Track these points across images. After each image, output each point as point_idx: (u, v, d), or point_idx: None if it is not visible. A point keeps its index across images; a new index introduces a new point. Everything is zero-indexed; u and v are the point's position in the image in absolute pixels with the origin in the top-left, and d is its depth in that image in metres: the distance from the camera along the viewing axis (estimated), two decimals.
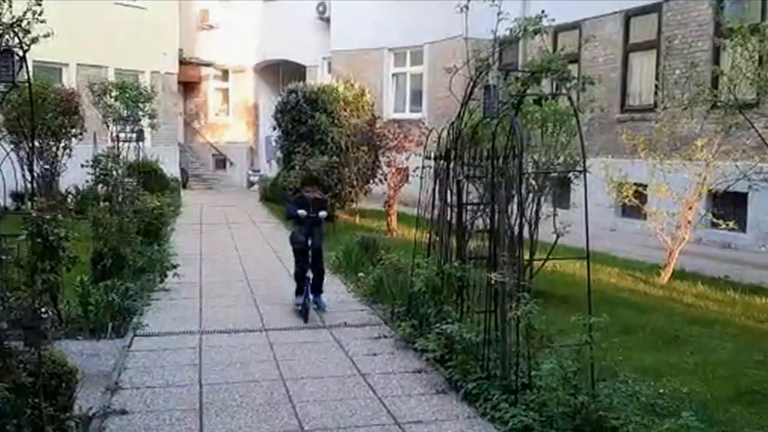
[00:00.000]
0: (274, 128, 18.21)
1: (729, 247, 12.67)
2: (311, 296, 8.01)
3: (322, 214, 8.14)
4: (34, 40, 5.09)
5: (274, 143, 19.29)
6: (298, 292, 8.17)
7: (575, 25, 16.29)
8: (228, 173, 28.78)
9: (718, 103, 8.47)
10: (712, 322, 7.71)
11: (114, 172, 10.03)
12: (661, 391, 5.47)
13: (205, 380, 5.80)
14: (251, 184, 26.56)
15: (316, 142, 15.83)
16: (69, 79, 19.37)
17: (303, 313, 7.79)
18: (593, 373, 4.81)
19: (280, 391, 5.57)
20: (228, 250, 12.89)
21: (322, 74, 24.86)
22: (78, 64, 20.09)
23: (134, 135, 15.18)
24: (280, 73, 27.25)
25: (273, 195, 20.02)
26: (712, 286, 9.48)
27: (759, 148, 7.98)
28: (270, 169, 24.91)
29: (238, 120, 29.40)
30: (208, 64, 28.49)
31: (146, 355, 6.46)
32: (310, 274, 7.94)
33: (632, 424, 4.62)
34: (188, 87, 28.75)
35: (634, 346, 6.76)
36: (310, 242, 8.02)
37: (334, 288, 9.33)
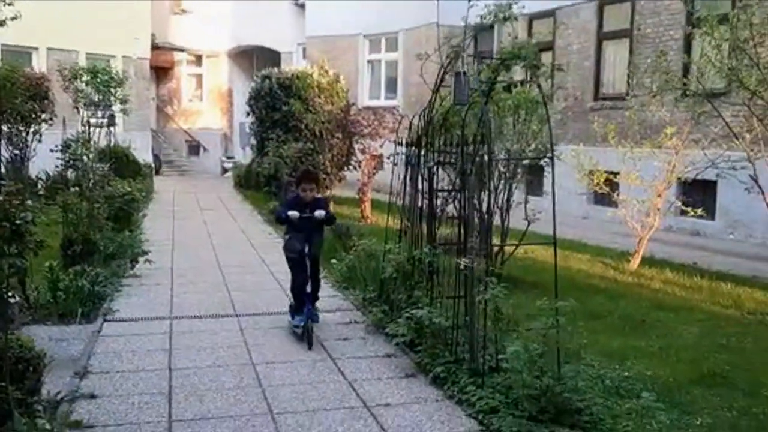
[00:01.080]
0: (248, 114, 18.14)
1: (699, 234, 12.88)
2: (312, 307, 6.66)
3: (319, 213, 6.67)
4: (1, 23, 5.03)
5: (248, 130, 19.23)
6: (297, 310, 6.75)
7: (550, 13, 16.38)
8: (202, 160, 28.60)
9: (687, 92, 8.59)
10: (679, 308, 7.84)
11: (84, 158, 9.94)
12: (626, 374, 5.60)
13: (174, 365, 5.79)
14: (225, 170, 26.43)
15: (290, 128, 15.82)
16: (39, 64, 19.12)
17: (306, 338, 6.43)
18: (559, 357, 4.88)
19: (249, 375, 5.59)
20: (201, 236, 12.83)
21: (298, 60, 24.78)
22: (48, 48, 19.81)
23: (105, 120, 15.06)
24: (255, 59, 27.12)
25: (247, 182, 19.95)
26: (680, 273, 9.63)
27: (727, 136, 8.12)
28: (244, 156, 24.80)
29: (212, 106, 29.21)
30: (181, 50, 28.24)
31: (116, 340, 6.44)
32: (309, 289, 6.66)
33: (596, 405, 4.71)
34: (161, 72, 28.48)
35: (602, 331, 6.87)
36: (307, 249, 6.66)
37: None
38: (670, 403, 4.98)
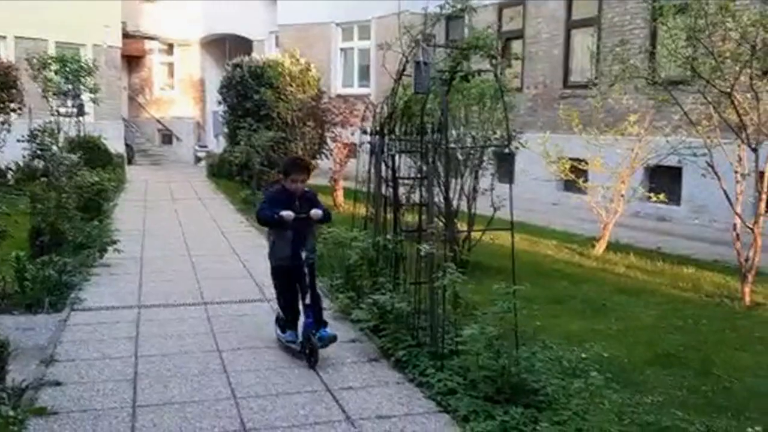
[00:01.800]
0: (220, 103, 18.10)
1: (664, 219, 13.10)
2: (313, 329, 5.61)
3: (316, 212, 5.65)
4: None
5: (220, 118, 19.17)
6: (289, 324, 5.89)
7: (519, 1, 16.49)
8: (175, 149, 28.47)
9: (648, 80, 8.75)
10: (640, 291, 8.03)
11: (53, 147, 9.90)
12: (584, 355, 5.74)
13: (140, 352, 5.85)
14: (198, 159, 26.34)
15: (261, 117, 15.82)
16: (7, 53, 18.91)
17: (309, 353, 5.51)
18: (517, 339, 5.03)
19: (215, 361, 5.67)
20: (172, 226, 12.84)
21: (270, 49, 24.70)
22: (16, 37, 19.62)
23: (75, 110, 14.99)
24: (227, 47, 26.96)
25: (220, 171, 19.94)
26: (643, 257, 9.83)
27: (688, 123, 8.29)
28: (217, 145, 24.72)
29: (185, 95, 29.05)
30: (152, 38, 28.04)
31: (83, 328, 6.48)
32: (308, 300, 5.65)
33: (551, 386, 4.85)
34: (132, 61, 28.27)
35: (564, 314, 7.03)
36: (304, 255, 5.62)
37: None
38: (624, 383, 5.14)
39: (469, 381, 4.89)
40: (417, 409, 4.79)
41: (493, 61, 6.60)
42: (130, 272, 8.86)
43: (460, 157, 7.64)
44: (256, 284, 8.29)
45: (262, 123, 15.76)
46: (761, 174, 7.28)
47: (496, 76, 6.57)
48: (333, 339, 5.68)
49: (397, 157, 6.80)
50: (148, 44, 28.28)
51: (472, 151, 8.20)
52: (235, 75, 17.08)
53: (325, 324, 5.85)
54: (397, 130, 6.77)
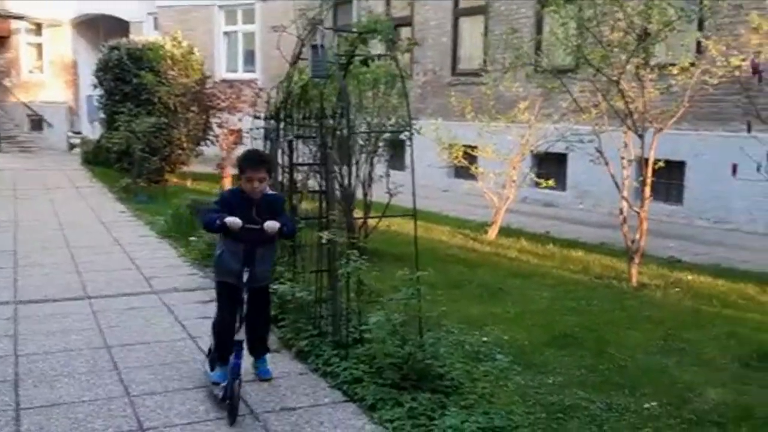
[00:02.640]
0: (96, 87, 17.22)
1: (551, 205, 13.52)
2: (242, 361, 4.42)
3: (271, 225, 4.41)
4: None
5: (96, 103, 18.23)
6: (219, 358, 4.64)
7: None
8: (46, 135, 26.92)
9: (538, 68, 8.94)
10: (533, 275, 8.20)
11: None
12: (485, 339, 5.80)
13: (21, 351, 5.42)
14: (72, 146, 25.02)
15: (142, 101, 15.18)
16: None
17: (229, 406, 4.28)
18: (420, 325, 4.98)
19: (104, 358, 5.32)
20: (47, 217, 12.06)
21: (148, 31, 23.70)
22: None
23: None
24: (102, 28, 25.69)
25: (96, 158, 19.02)
26: (534, 242, 10.07)
27: (576, 111, 8.52)
28: (93, 131, 23.55)
29: (55, 78, 27.51)
30: (19, 17, 26.33)
31: None
32: (242, 335, 4.44)
33: (456, 370, 4.86)
34: None
35: (462, 299, 7.06)
36: (246, 275, 4.44)
37: (163, 252, 9.03)
38: (526, 365, 5.22)
39: (375, 369, 4.80)
40: (323, 399, 4.66)
41: (392, 46, 6.50)
42: (3, 266, 8.24)
43: (361, 142, 7.52)
44: (142, 276, 7.89)
45: (143, 108, 15.13)
46: (646, 160, 7.57)
47: (395, 60, 6.47)
48: (264, 377, 4.93)
49: (293, 144, 6.61)
50: (14, 24, 26.58)
51: (368, 137, 8.10)
52: (112, 57, 16.26)
53: (266, 350, 4.99)
54: (294, 115, 6.58)
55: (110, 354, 5.42)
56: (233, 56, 21.97)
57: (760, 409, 4.51)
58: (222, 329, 4.61)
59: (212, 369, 4.73)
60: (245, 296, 4.45)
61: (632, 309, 6.82)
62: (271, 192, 4.77)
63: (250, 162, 4.61)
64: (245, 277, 4.43)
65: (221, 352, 4.61)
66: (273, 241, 4.73)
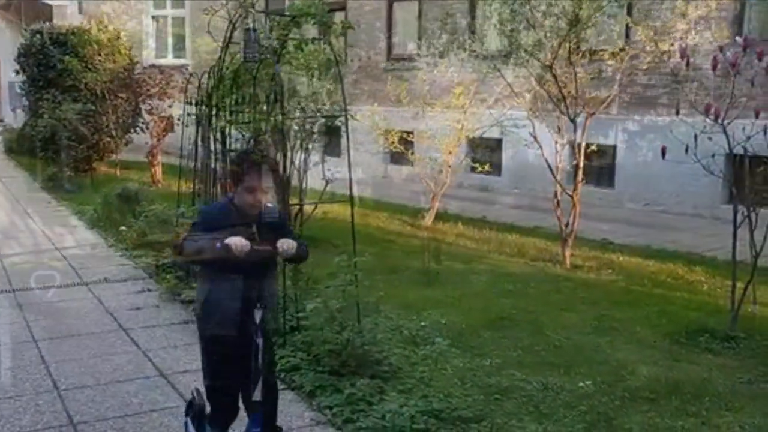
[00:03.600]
0: (18, 73, 16.56)
1: (487, 189, 13.60)
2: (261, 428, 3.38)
3: (287, 245, 3.35)
4: None
5: (18, 90, 17.53)
6: (212, 421, 3.56)
7: None
8: None
9: (472, 53, 8.97)
10: (470, 259, 8.24)
11: None
12: (423, 323, 5.81)
13: None
14: None
15: (67, 88, 14.64)
16: None
17: None
18: (359, 311, 4.95)
19: (31, 352, 5.13)
20: None
21: (73, 15, 22.89)
22: None
23: None
24: (22, 12, 24.69)
25: (20, 147, 18.34)
26: (470, 226, 10.11)
27: (510, 96, 8.57)
28: (15, 119, 22.68)
29: None
30: None
31: None
32: (257, 395, 3.34)
33: (395, 355, 4.85)
34: None
35: (400, 284, 7.05)
36: (259, 315, 3.31)
37: (92, 242, 8.75)
38: (464, 347, 5.24)
39: (312, 356, 4.77)
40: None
41: (326, 30, 6.42)
42: None
43: (295, 128, 7.41)
44: (71, 267, 7.64)
45: (68, 94, 14.59)
46: (579, 144, 7.69)
47: (329, 45, 6.38)
48: None
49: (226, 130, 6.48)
50: None
51: (303, 123, 7.99)
52: (34, 42, 15.62)
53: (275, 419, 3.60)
54: (226, 101, 6.44)
55: (37, 348, 5.25)
56: (162, 41, 21.43)
57: (689, 385, 4.64)
58: (221, 394, 3.49)
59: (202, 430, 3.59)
60: (260, 341, 3.29)
61: (567, 290, 6.92)
62: (268, 204, 3.47)
63: (252, 165, 3.41)
64: (258, 317, 3.30)
65: (224, 419, 3.53)
66: (274, 269, 3.61)
